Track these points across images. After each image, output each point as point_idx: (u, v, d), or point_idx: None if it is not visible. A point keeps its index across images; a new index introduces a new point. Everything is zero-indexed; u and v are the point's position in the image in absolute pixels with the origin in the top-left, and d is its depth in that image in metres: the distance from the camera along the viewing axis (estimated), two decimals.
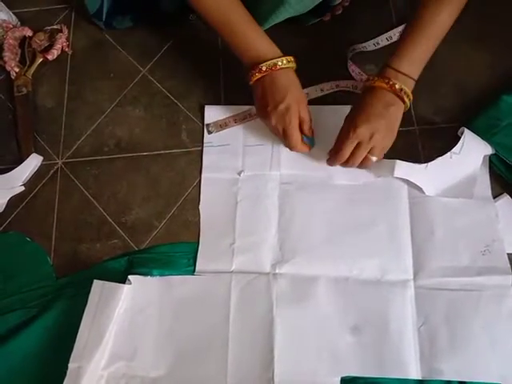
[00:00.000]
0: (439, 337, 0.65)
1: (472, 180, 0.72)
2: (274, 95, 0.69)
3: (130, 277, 0.69)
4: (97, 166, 0.80)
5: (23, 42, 0.90)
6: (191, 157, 0.80)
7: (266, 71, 0.69)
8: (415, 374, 0.64)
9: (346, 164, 0.71)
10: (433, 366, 0.64)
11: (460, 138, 0.72)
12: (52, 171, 0.81)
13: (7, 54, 0.87)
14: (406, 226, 0.72)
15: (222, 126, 0.80)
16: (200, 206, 0.76)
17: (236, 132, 0.80)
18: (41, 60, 0.88)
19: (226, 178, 0.77)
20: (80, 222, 0.77)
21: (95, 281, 0.67)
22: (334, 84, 0.81)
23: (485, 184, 0.74)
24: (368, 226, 0.73)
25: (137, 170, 0.80)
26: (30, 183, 0.80)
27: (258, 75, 0.69)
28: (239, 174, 0.77)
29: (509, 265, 0.68)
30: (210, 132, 0.80)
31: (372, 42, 0.83)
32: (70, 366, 0.62)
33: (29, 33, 0.90)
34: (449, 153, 0.71)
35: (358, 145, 0.67)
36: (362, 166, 0.70)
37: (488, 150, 0.73)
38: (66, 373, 0.62)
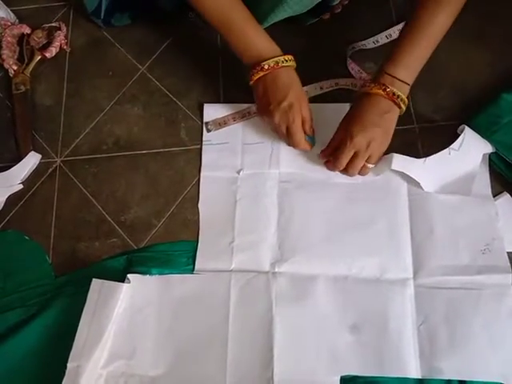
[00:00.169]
0: (439, 336, 0.65)
1: (470, 177, 0.72)
2: (275, 93, 0.69)
3: (129, 275, 0.69)
4: (95, 164, 0.80)
5: (21, 39, 0.90)
6: (190, 155, 0.80)
7: (267, 69, 0.69)
8: (415, 372, 0.64)
9: (344, 172, 0.72)
10: (432, 365, 0.64)
11: (460, 135, 0.72)
12: (50, 169, 0.80)
13: (5, 52, 0.87)
14: (406, 224, 0.72)
15: (221, 124, 0.80)
16: (199, 205, 0.76)
17: (235, 130, 0.80)
18: (39, 58, 0.88)
19: (225, 176, 0.77)
20: (79, 220, 0.77)
21: (94, 279, 0.67)
22: (334, 82, 0.81)
23: (485, 182, 0.74)
24: (367, 224, 0.72)
25: (136, 169, 0.79)
26: (29, 181, 0.79)
27: (260, 73, 0.69)
28: (238, 172, 0.77)
29: (509, 263, 0.68)
30: (208, 130, 0.80)
31: (371, 39, 0.83)
32: (69, 364, 0.62)
33: (27, 30, 0.90)
34: (447, 149, 0.71)
35: (356, 154, 0.68)
36: (360, 173, 0.71)
37: (488, 148, 0.73)
38: (65, 371, 0.62)
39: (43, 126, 0.84)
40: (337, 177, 0.74)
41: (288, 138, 0.72)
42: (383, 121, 0.67)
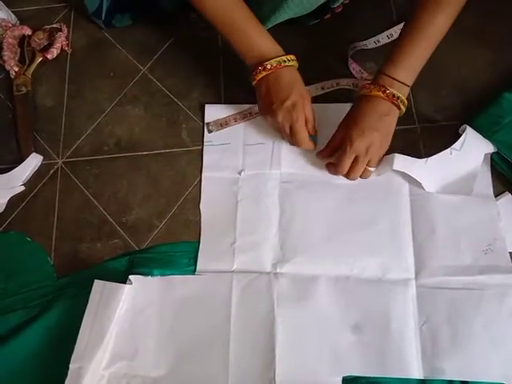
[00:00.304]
0: (441, 336, 0.65)
1: (472, 177, 0.72)
2: (279, 92, 0.69)
3: (130, 277, 0.69)
4: (97, 165, 0.80)
5: (22, 40, 0.90)
6: (191, 156, 0.79)
7: (270, 69, 0.69)
8: (417, 373, 0.64)
9: (346, 177, 0.72)
10: (434, 366, 0.64)
11: (461, 135, 0.72)
12: (52, 171, 0.80)
13: (6, 53, 0.87)
14: (407, 224, 0.72)
15: (222, 124, 0.80)
16: (200, 206, 0.76)
17: (236, 131, 0.80)
18: (40, 59, 0.88)
19: (226, 177, 0.77)
20: (80, 221, 0.77)
21: (96, 281, 0.67)
22: (335, 82, 0.81)
23: (486, 182, 0.73)
24: (369, 224, 0.72)
25: (137, 170, 0.79)
26: (30, 183, 0.80)
27: (263, 73, 0.69)
28: (239, 173, 0.76)
29: (511, 263, 0.68)
30: (210, 131, 0.80)
31: (373, 39, 0.82)
32: (71, 366, 0.62)
33: (28, 32, 0.90)
34: (449, 149, 0.71)
35: (356, 158, 0.68)
36: (362, 177, 0.71)
37: (489, 148, 0.72)
38: (67, 373, 0.62)
39: (44, 127, 0.84)
40: (338, 177, 0.74)
41: (291, 137, 0.72)
42: (382, 124, 0.67)
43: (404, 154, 0.71)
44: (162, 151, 0.80)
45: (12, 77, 0.87)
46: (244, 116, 0.80)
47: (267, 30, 0.72)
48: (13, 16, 0.92)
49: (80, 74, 0.88)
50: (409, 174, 0.71)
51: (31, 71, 0.87)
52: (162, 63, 0.87)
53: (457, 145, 0.71)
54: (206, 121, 0.81)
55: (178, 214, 0.76)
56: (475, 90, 0.80)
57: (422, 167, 0.71)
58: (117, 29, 0.90)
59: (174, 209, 0.76)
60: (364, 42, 0.83)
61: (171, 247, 0.74)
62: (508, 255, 0.69)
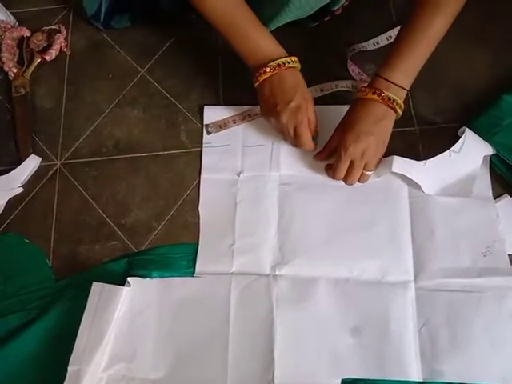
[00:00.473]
0: (440, 338, 0.65)
1: (471, 179, 0.72)
2: (283, 94, 0.69)
3: (129, 279, 0.69)
4: (96, 167, 0.80)
5: (21, 42, 0.90)
6: (190, 157, 0.79)
7: (274, 70, 0.68)
8: (416, 375, 0.64)
9: (344, 182, 0.72)
10: (434, 368, 0.64)
11: (460, 137, 0.72)
12: (51, 172, 0.80)
13: (5, 55, 0.87)
14: (407, 226, 0.72)
15: (221, 126, 0.80)
16: (199, 207, 0.76)
17: (235, 132, 0.80)
18: (39, 60, 0.88)
19: (225, 178, 0.77)
20: (79, 223, 0.77)
21: (94, 283, 0.67)
22: (334, 84, 0.81)
23: (485, 184, 0.73)
24: (368, 226, 0.72)
25: (136, 171, 0.79)
26: (29, 184, 0.79)
27: (267, 75, 0.68)
28: (238, 174, 0.76)
29: (510, 266, 0.68)
30: (209, 132, 0.80)
31: (372, 41, 0.82)
32: (70, 368, 0.62)
33: (27, 33, 0.90)
34: (448, 151, 0.71)
35: (352, 163, 0.68)
36: (360, 181, 0.71)
37: (489, 150, 0.72)
38: (65, 375, 0.62)
39: (43, 128, 0.84)
40: None
41: (295, 139, 0.71)
42: (378, 128, 0.67)
43: (403, 156, 0.71)
44: (161, 153, 0.80)
45: (10, 78, 0.87)
46: (243, 117, 0.80)
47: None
48: (11, 17, 0.92)
49: (79, 76, 0.88)
50: (408, 176, 0.71)
51: (30, 73, 0.87)
52: (160, 65, 0.87)
53: (456, 147, 0.71)
54: (204, 122, 0.81)
55: (176, 215, 0.76)
56: (474, 91, 0.80)
57: (421, 169, 0.71)
58: (115, 30, 0.89)
59: (172, 211, 0.76)
60: (363, 44, 0.83)
61: (170, 249, 0.74)
62: (507, 257, 0.69)
